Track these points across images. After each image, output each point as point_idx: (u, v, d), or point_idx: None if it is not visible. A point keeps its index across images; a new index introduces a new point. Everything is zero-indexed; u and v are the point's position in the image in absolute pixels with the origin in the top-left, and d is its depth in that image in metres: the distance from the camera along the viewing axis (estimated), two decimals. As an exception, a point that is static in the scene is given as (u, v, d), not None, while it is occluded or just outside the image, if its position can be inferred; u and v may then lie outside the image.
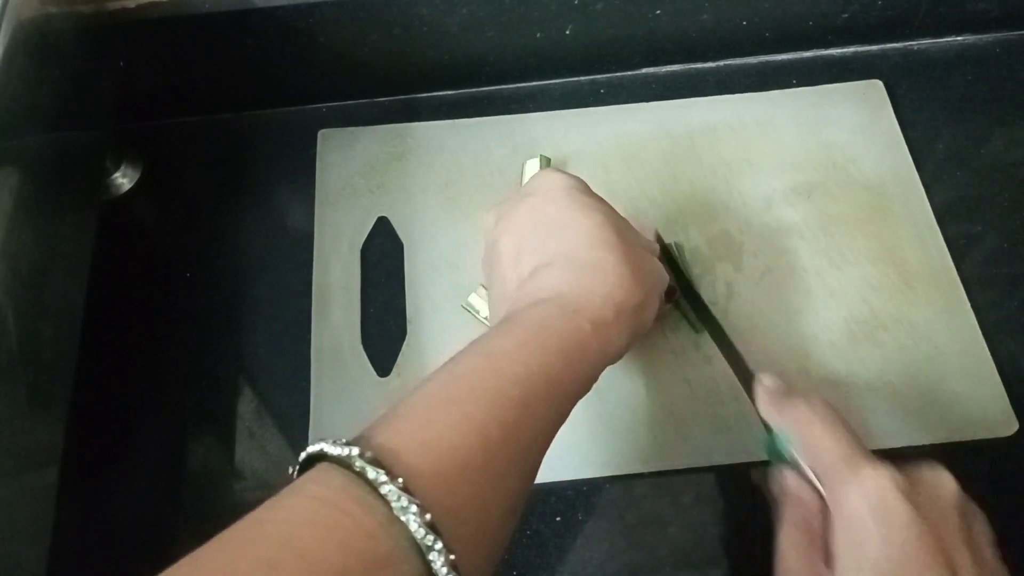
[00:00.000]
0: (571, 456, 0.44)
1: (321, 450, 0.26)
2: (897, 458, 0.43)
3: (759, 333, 0.47)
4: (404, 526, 0.24)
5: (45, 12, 0.43)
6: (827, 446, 0.33)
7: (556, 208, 0.37)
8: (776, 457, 0.37)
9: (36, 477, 0.37)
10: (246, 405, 0.47)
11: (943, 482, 0.32)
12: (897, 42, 0.59)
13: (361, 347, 0.47)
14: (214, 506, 0.44)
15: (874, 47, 0.59)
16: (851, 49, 0.58)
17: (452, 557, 0.25)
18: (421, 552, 0.25)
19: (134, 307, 0.50)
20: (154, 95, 0.56)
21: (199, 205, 0.54)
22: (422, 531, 0.24)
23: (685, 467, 0.44)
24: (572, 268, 0.35)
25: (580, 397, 0.33)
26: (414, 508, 0.25)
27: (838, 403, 0.44)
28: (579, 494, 0.44)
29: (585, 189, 0.38)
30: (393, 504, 0.25)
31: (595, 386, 0.45)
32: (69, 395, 0.39)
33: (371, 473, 0.25)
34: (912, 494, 0.31)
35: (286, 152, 0.55)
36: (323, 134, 0.55)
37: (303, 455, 0.27)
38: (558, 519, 0.43)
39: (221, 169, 0.56)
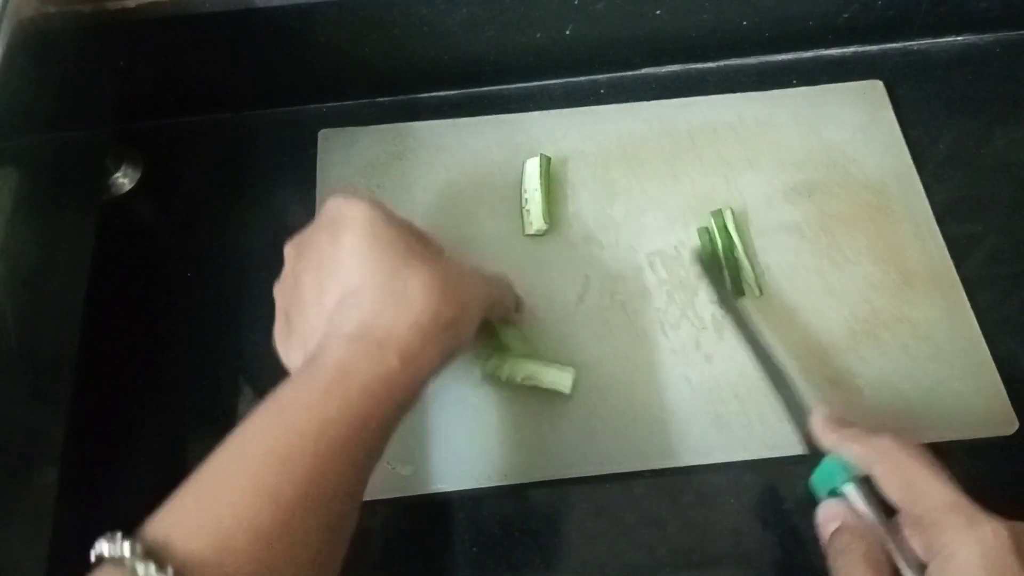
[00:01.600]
0: (570, 455, 0.44)
1: (100, 553, 0.26)
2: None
3: (759, 332, 0.47)
4: None
5: (45, 12, 0.43)
6: (935, 487, 0.33)
7: (356, 237, 0.35)
8: (828, 484, 0.37)
9: (36, 477, 0.37)
10: (246, 405, 0.47)
11: None
12: (897, 42, 0.59)
13: (361, 347, 0.47)
14: (214, 506, 0.44)
15: (874, 47, 0.59)
16: (851, 49, 0.58)
17: None
18: None
19: (134, 307, 0.50)
20: (154, 95, 0.56)
21: (199, 205, 0.54)
22: None
23: (685, 466, 0.44)
24: (375, 295, 0.34)
25: (395, 428, 0.33)
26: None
27: (838, 402, 0.45)
28: (579, 493, 0.44)
29: (386, 217, 0.36)
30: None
31: (595, 385, 0.46)
32: (69, 395, 0.39)
33: (140, 569, 0.25)
34: (1022, 554, 0.31)
35: (286, 152, 0.55)
36: (323, 134, 0.55)
37: (93, 553, 0.27)
38: (558, 519, 0.43)
39: (221, 169, 0.56)
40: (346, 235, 0.35)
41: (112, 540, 0.26)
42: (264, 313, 0.50)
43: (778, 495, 0.43)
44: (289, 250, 0.39)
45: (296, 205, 0.53)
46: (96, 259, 0.45)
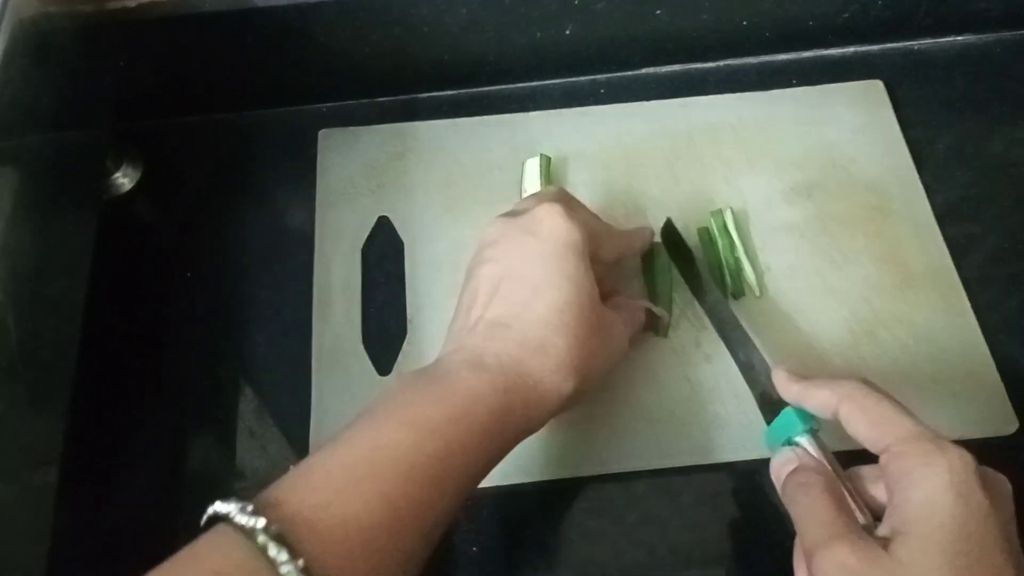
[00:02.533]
0: (571, 455, 0.44)
1: (228, 514, 0.27)
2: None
3: (759, 332, 0.47)
4: None
5: (45, 11, 0.43)
6: (899, 419, 0.33)
7: (543, 267, 0.36)
8: (782, 438, 0.38)
9: (36, 477, 0.37)
10: (246, 405, 0.47)
11: (1003, 481, 0.33)
12: (897, 42, 0.59)
13: (362, 346, 0.47)
14: (214, 506, 0.44)
15: (874, 47, 0.59)
16: (851, 49, 0.58)
17: None
18: None
19: (134, 307, 0.50)
20: (154, 95, 0.56)
21: (199, 205, 0.54)
22: None
23: (685, 466, 0.44)
24: (524, 345, 0.35)
25: (490, 470, 0.34)
26: None
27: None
28: (579, 493, 0.44)
29: (578, 250, 0.37)
30: None
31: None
32: (69, 395, 0.39)
33: (272, 551, 0.25)
34: (984, 482, 0.31)
35: (286, 152, 0.55)
36: (323, 134, 0.55)
37: (211, 510, 0.28)
38: (558, 519, 0.43)
39: (221, 169, 0.56)
40: (537, 260, 0.36)
41: (242, 510, 0.26)
42: (264, 313, 0.50)
43: (778, 495, 0.43)
44: (489, 230, 0.39)
45: (296, 205, 0.53)
46: (96, 259, 0.45)
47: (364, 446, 0.30)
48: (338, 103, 0.57)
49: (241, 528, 0.26)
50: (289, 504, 0.27)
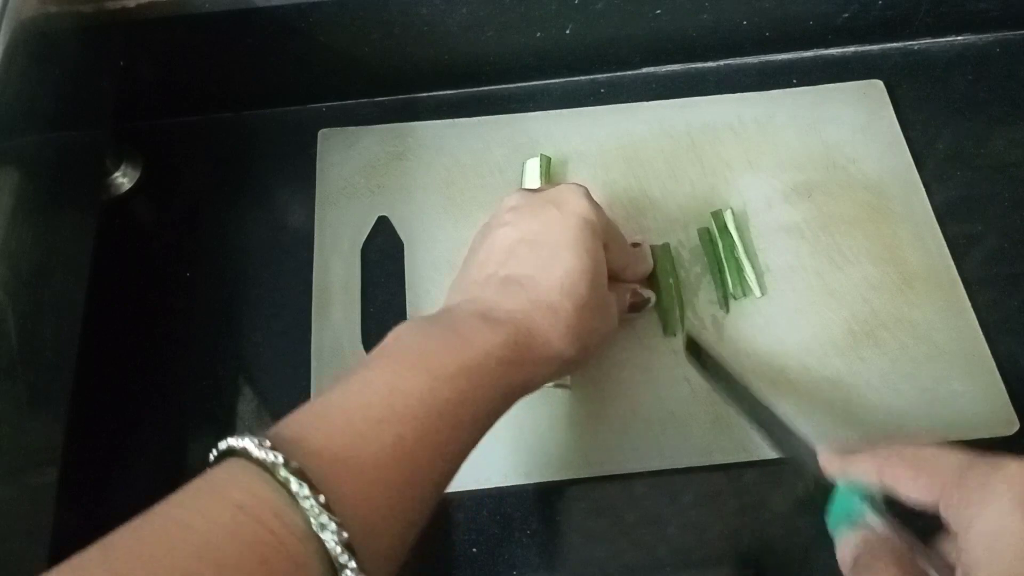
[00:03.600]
0: (571, 455, 0.44)
1: (245, 449, 0.27)
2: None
3: (759, 333, 0.47)
4: (321, 543, 0.25)
5: (45, 12, 0.43)
6: (945, 457, 0.31)
7: (563, 235, 0.38)
8: (844, 520, 0.34)
9: (36, 477, 0.37)
10: (246, 405, 0.47)
11: None
12: (897, 42, 0.59)
13: (361, 346, 0.47)
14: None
15: (874, 47, 0.59)
16: (851, 49, 0.58)
17: None
18: (335, 568, 0.25)
19: (134, 307, 0.50)
20: (154, 95, 0.56)
21: (199, 205, 0.54)
22: (338, 549, 0.25)
23: (685, 467, 0.44)
24: (535, 303, 0.36)
25: (496, 420, 0.34)
26: (332, 526, 0.25)
27: (839, 403, 0.45)
28: (579, 494, 0.44)
29: (597, 226, 0.39)
30: (312, 520, 0.25)
31: (595, 386, 0.46)
32: (69, 395, 0.39)
33: (294, 486, 0.25)
34: None
35: (286, 152, 0.55)
36: (323, 134, 0.55)
37: (224, 444, 0.27)
38: (558, 519, 0.43)
39: (221, 169, 0.56)
40: (557, 227, 0.38)
41: (259, 445, 0.26)
42: (264, 313, 0.50)
43: (778, 495, 0.43)
44: (512, 197, 0.41)
45: (296, 205, 0.53)
46: (96, 259, 0.45)
47: (382, 390, 0.30)
48: (338, 103, 0.57)
49: (260, 462, 0.26)
50: (308, 442, 0.27)
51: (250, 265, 0.51)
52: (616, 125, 0.55)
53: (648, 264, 0.47)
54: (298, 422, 0.29)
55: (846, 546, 0.33)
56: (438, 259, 0.50)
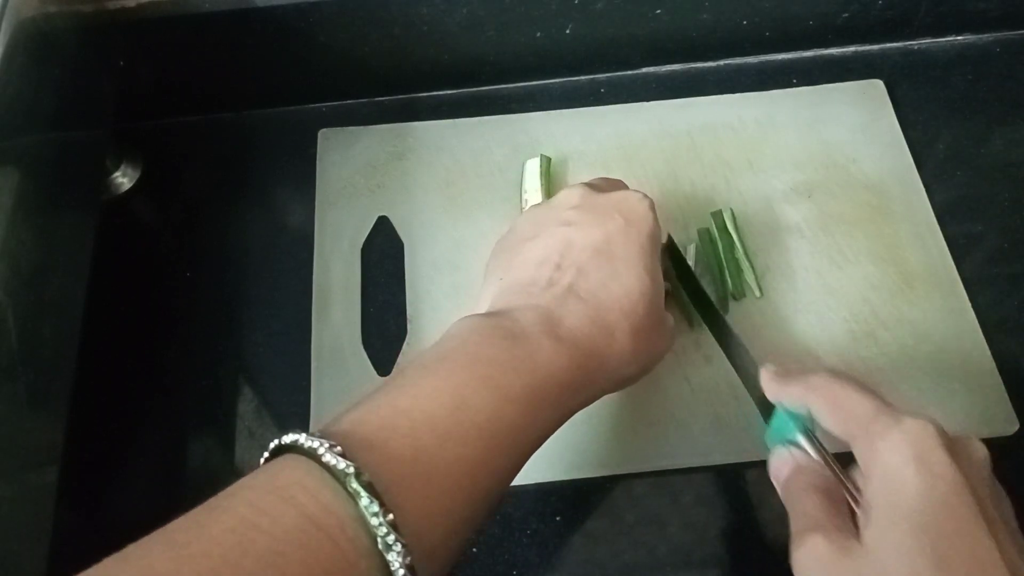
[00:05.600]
0: (571, 455, 0.44)
1: (313, 449, 0.26)
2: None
3: (759, 332, 0.47)
4: (385, 562, 0.25)
5: (45, 11, 0.43)
6: (858, 401, 0.32)
7: (627, 250, 0.37)
8: (780, 438, 0.37)
9: (36, 477, 0.37)
10: (246, 405, 0.47)
11: (977, 447, 0.31)
12: (897, 42, 0.59)
13: (361, 346, 0.47)
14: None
15: (874, 47, 0.59)
16: (851, 49, 0.58)
17: None
18: None
19: (134, 307, 0.50)
20: (154, 95, 0.56)
21: (199, 205, 0.54)
22: (401, 572, 0.25)
23: (685, 467, 0.44)
24: (598, 324, 0.35)
25: (543, 443, 0.33)
26: (399, 547, 0.25)
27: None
28: (579, 494, 0.44)
29: (658, 247, 0.38)
30: (379, 540, 0.25)
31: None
32: (69, 395, 0.39)
33: (364, 500, 0.25)
34: (951, 450, 0.30)
35: (286, 152, 0.55)
36: (323, 134, 0.55)
37: (288, 439, 0.27)
38: (558, 519, 0.43)
39: (221, 169, 0.56)
40: (623, 242, 0.37)
41: (330, 449, 0.26)
42: (264, 313, 0.50)
43: (777, 495, 0.43)
44: (573, 196, 0.39)
45: (296, 205, 0.53)
46: (96, 259, 0.45)
47: (448, 403, 0.30)
48: (338, 103, 0.57)
49: (330, 469, 0.25)
50: (375, 451, 0.27)
51: (250, 265, 0.51)
52: (616, 125, 0.55)
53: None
54: (363, 423, 0.28)
55: (779, 460, 0.35)
56: (438, 259, 0.50)
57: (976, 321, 0.47)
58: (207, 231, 0.53)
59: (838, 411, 0.33)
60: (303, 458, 0.26)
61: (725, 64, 0.58)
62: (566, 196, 0.39)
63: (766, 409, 0.39)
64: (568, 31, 0.54)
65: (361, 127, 0.55)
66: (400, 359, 0.47)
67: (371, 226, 0.51)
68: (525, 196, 0.51)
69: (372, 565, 0.25)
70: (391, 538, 0.24)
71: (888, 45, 0.59)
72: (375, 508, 0.25)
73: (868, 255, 0.49)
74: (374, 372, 0.47)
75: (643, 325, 0.36)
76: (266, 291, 0.51)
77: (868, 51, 0.58)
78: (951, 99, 0.56)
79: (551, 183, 0.52)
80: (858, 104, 0.55)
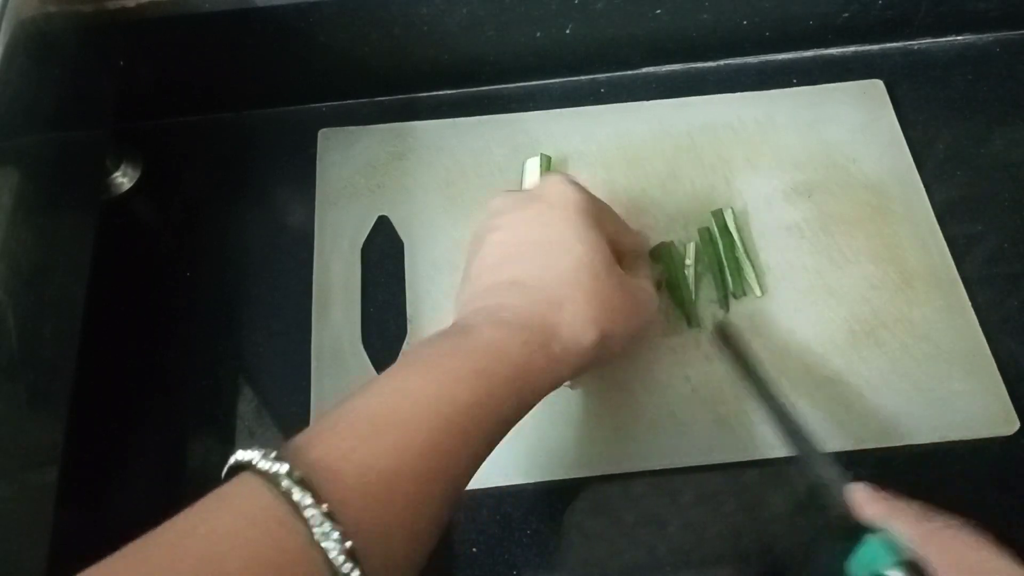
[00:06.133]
0: (571, 455, 0.44)
1: (250, 461, 0.27)
2: (898, 455, 0.44)
3: (759, 332, 0.47)
4: (323, 552, 0.25)
5: (45, 12, 0.43)
6: (994, 569, 0.30)
7: (555, 228, 0.37)
8: (866, 569, 0.32)
9: (36, 477, 0.37)
10: (246, 405, 0.47)
11: None
12: (897, 42, 0.59)
13: (361, 346, 0.47)
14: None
15: (874, 47, 0.59)
16: (851, 49, 0.58)
17: None
18: None
19: (134, 307, 0.50)
20: (154, 94, 0.56)
21: (199, 205, 0.54)
22: (341, 558, 0.25)
23: (685, 466, 0.44)
24: (542, 300, 0.35)
25: (514, 423, 0.34)
26: (335, 534, 0.25)
27: (839, 402, 0.45)
28: (579, 493, 0.44)
29: (590, 212, 0.38)
30: (315, 529, 0.25)
31: (595, 385, 0.46)
32: (69, 395, 0.39)
33: (296, 495, 0.25)
34: None
35: (286, 152, 0.55)
36: (323, 133, 0.55)
37: (233, 459, 0.27)
38: (558, 519, 0.43)
39: (221, 169, 0.56)
40: (548, 222, 0.37)
41: (264, 456, 0.26)
42: (264, 313, 0.50)
43: (778, 495, 0.43)
44: (495, 202, 0.40)
45: (296, 205, 0.53)
46: (96, 259, 0.45)
47: (390, 396, 0.30)
48: (338, 103, 0.57)
49: (264, 474, 0.26)
50: (312, 450, 0.27)
51: (250, 265, 0.51)
52: (616, 125, 0.55)
53: (645, 237, 0.47)
54: (308, 432, 0.29)
55: None
56: (438, 259, 0.50)
57: (976, 321, 0.47)
58: (207, 231, 0.53)
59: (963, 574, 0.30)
60: (245, 472, 0.27)
61: (725, 64, 0.58)
62: (489, 206, 0.40)
63: (847, 529, 0.34)
64: (568, 31, 0.54)
65: (361, 127, 0.55)
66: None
67: (371, 226, 0.51)
68: (525, 196, 0.51)
69: (317, 557, 0.25)
70: (327, 527, 0.25)
71: (888, 45, 0.59)
72: (308, 500, 0.25)
73: (868, 255, 0.49)
74: (374, 372, 0.47)
75: (597, 289, 0.36)
76: (266, 291, 0.51)
77: (868, 51, 0.58)
78: (951, 99, 0.56)
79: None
80: (858, 104, 0.55)
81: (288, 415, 0.46)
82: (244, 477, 0.27)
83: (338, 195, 0.53)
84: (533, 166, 0.51)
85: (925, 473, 0.43)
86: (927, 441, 0.44)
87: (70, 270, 0.43)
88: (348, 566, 0.25)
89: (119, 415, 0.47)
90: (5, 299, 0.35)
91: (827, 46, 0.58)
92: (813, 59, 0.58)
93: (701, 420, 0.45)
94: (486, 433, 0.32)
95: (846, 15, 0.55)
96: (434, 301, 0.49)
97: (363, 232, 0.51)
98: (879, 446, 0.44)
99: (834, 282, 0.49)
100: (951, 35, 0.59)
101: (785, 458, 0.43)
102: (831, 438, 0.44)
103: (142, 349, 0.49)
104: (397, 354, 0.47)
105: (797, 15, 0.55)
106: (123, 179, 0.54)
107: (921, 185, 0.52)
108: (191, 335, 0.49)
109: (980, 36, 0.59)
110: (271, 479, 0.26)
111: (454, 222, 0.51)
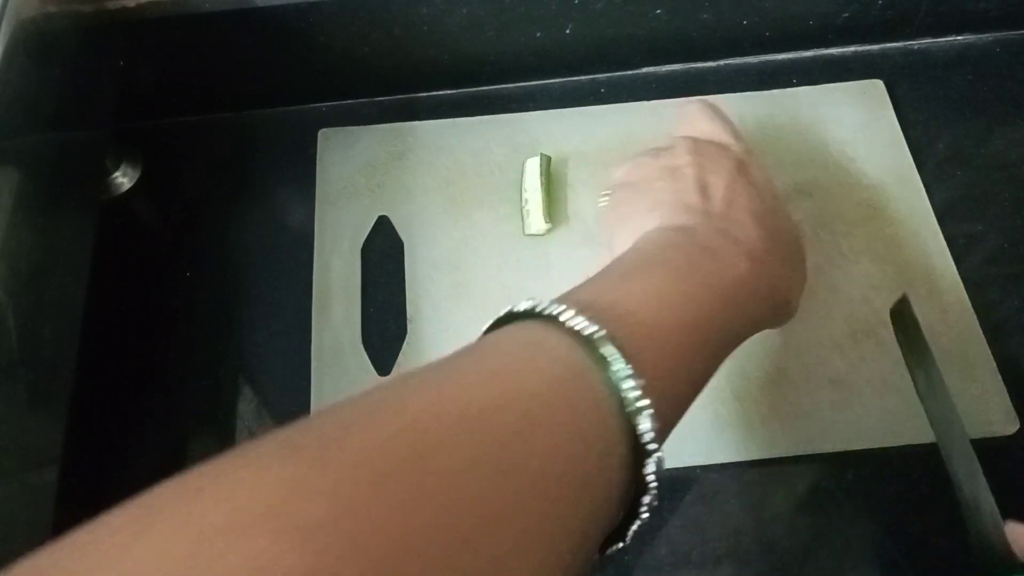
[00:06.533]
0: (571, 456, 0.44)
1: (555, 315, 0.25)
2: (898, 455, 0.43)
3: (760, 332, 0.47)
4: (631, 426, 0.24)
5: (45, 12, 0.43)
6: None
7: (768, 192, 0.39)
8: None
9: (36, 477, 0.37)
10: (246, 405, 0.47)
11: None
12: (897, 42, 0.59)
13: (361, 346, 0.47)
14: (214, 506, 0.44)
15: (874, 47, 0.59)
16: (851, 49, 0.58)
17: (660, 454, 0.25)
18: (636, 451, 0.24)
19: (134, 307, 0.50)
20: (154, 94, 0.56)
21: (199, 205, 0.54)
22: (650, 435, 0.24)
23: (685, 466, 0.44)
24: (748, 242, 0.35)
25: (734, 348, 0.34)
26: (651, 411, 0.24)
27: (839, 402, 0.45)
28: (579, 494, 0.44)
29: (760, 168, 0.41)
30: (631, 404, 0.24)
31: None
32: (69, 395, 0.39)
33: (618, 365, 0.24)
34: None
35: (286, 152, 0.55)
36: (323, 133, 0.55)
37: (523, 306, 0.26)
38: (558, 519, 0.43)
39: (221, 169, 0.56)
40: (762, 180, 0.39)
41: (577, 314, 0.25)
42: (264, 313, 0.50)
43: (778, 495, 0.43)
44: (686, 144, 0.40)
45: (296, 205, 0.53)
46: (96, 259, 0.45)
47: (672, 274, 0.31)
48: (338, 103, 0.57)
49: (569, 330, 0.25)
50: (620, 319, 0.26)
51: (250, 265, 0.51)
52: (616, 124, 0.55)
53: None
54: (597, 298, 0.28)
55: None
56: (438, 259, 0.50)
57: (976, 321, 0.47)
58: (207, 231, 0.53)
59: None
60: (541, 324, 0.25)
61: (725, 64, 0.58)
62: (680, 144, 0.40)
63: (1002, 567, 0.32)
64: (568, 31, 0.54)
65: (361, 127, 0.55)
66: (400, 359, 0.47)
67: (371, 226, 0.51)
68: (525, 195, 0.51)
69: (618, 427, 0.24)
70: (644, 403, 0.24)
71: (888, 45, 0.59)
72: (628, 371, 0.24)
73: (868, 254, 0.49)
74: (374, 372, 0.47)
75: (778, 244, 0.37)
76: (266, 291, 0.51)
77: (868, 51, 0.58)
78: (951, 99, 0.56)
79: (551, 182, 0.52)
80: (858, 104, 0.55)
81: (288, 415, 0.46)
82: (545, 331, 0.25)
83: (338, 195, 0.53)
84: (533, 166, 0.51)
85: (925, 473, 0.43)
86: (927, 441, 0.44)
87: (70, 270, 0.43)
88: (653, 445, 0.24)
89: (119, 415, 0.47)
90: (5, 299, 0.35)
91: (827, 46, 0.58)
92: (813, 59, 0.58)
93: (701, 420, 0.45)
94: (728, 341, 0.32)
95: (846, 15, 0.55)
96: (434, 301, 0.49)
97: (363, 232, 0.51)
98: (879, 446, 0.44)
99: (834, 281, 0.49)
100: (951, 35, 0.59)
101: (785, 458, 0.43)
102: (831, 438, 0.44)
103: (142, 349, 0.49)
104: (397, 354, 0.47)
105: (797, 15, 0.55)
106: (123, 179, 0.54)
107: (921, 185, 0.52)
108: (191, 335, 0.49)
109: (980, 36, 0.59)
110: (586, 340, 0.24)
111: (454, 222, 0.51)
